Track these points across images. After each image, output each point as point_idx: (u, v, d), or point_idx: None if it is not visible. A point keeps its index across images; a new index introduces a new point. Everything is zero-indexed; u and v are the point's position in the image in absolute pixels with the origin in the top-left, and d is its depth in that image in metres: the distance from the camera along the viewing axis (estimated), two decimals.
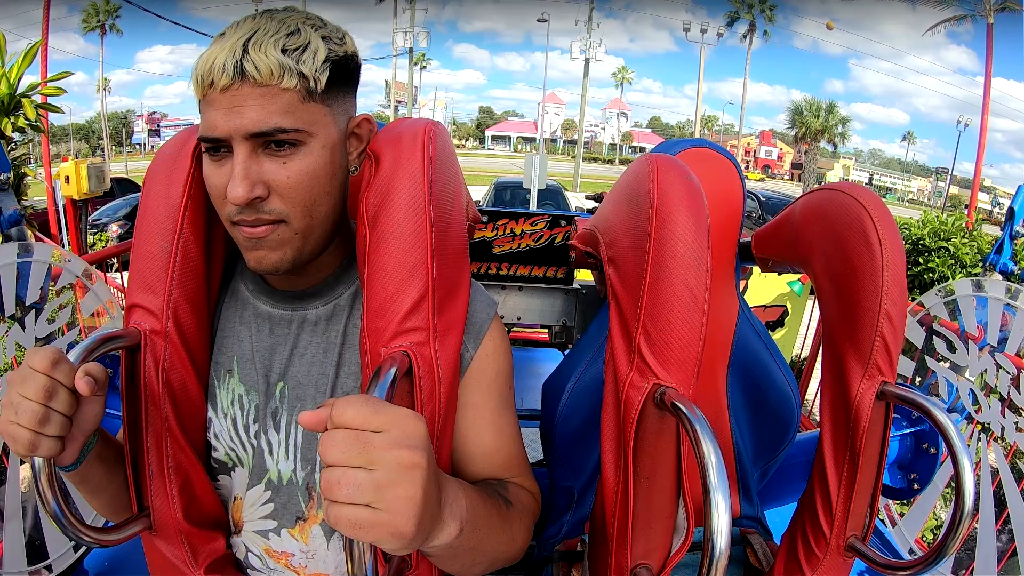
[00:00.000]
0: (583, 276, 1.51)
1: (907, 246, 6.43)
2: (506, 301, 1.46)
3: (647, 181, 0.74)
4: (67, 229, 5.38)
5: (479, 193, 10.82)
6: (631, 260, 0.74)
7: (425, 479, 0.46)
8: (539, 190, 8.08)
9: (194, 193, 0.71)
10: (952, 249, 6.27)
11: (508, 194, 9.76)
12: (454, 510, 0.55)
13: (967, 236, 6.41)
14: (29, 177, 6.41)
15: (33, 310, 1.34)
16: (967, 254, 6.21)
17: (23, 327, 1.31)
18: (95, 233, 9.20)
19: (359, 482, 0.44)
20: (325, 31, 0.66)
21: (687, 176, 0.74)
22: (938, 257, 6.26)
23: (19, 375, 0.56)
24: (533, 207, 8.03)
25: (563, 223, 1.41)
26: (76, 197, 4.90)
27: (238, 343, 0.76)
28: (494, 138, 49.25)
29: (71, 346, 0.78)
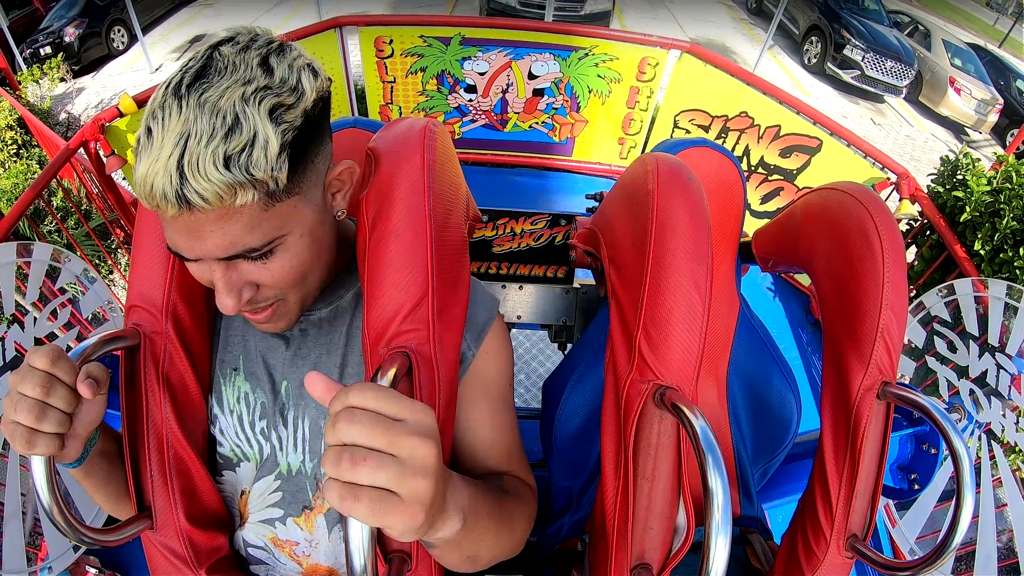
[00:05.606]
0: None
1: None
2: (506, 300, 1.45)
3: (648, 181, 0.74)
4: None
5: None
6: (631, 260, 0.74)
7: (437, 469, 0.46)
8: None
9: None
10: None
11: None
12: (456, 502, 0.55)
13: None
14: None
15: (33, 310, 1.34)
16: None
17: (23, 327, 1.31)
18: (45, 56, 5.70)
19: (384, 464, 0.42)
20: (274, 95, 0.54)
21: (688, 176, 0.74)
22: None
23: (19, 373, 0.56)
24: None
25: (563, 222, 1.41)
26: None
27: (243, 342, 0.76)
28: None
29: (69, 347, 0.78)
